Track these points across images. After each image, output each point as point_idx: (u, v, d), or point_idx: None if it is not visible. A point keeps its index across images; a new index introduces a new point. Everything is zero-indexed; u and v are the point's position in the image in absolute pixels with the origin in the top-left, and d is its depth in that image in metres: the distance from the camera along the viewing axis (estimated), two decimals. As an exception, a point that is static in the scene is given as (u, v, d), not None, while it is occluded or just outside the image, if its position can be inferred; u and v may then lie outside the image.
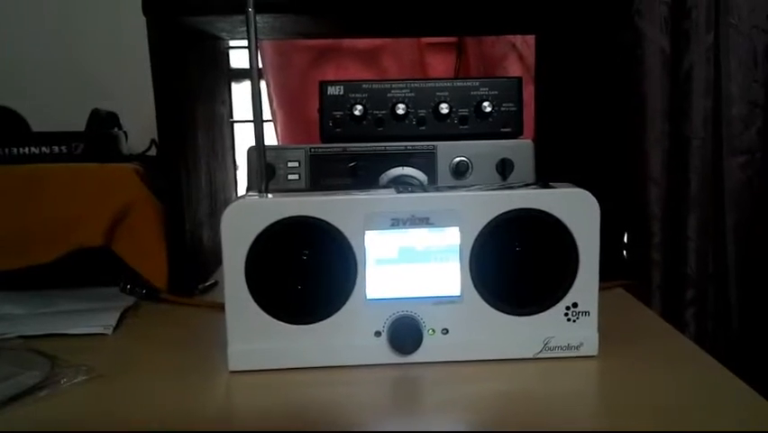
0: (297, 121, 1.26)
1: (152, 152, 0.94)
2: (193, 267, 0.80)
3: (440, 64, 1.24)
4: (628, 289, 0.78)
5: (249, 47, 0.59)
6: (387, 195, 0.57)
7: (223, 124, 0.99)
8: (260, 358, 0.56)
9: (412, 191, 0.59)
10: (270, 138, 1.30)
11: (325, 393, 0.53)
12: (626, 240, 0.98)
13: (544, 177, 0.80)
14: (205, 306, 0.75)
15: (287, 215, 0.55)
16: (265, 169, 0.63)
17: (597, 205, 0.56)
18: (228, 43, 1.03)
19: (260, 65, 1.35)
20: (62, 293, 0.79)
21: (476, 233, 0.56)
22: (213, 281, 0.83)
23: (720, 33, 0.91)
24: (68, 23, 1.21)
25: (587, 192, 0.56)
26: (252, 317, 0.55)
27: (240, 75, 1.35)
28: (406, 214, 0.56)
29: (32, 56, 1.21)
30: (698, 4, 0.90)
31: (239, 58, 1.35)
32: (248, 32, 0.59)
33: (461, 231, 0.56)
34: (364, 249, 0.56)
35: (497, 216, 0.56)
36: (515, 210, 0.56)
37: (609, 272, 0.77)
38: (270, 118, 1.29)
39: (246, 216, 0.55)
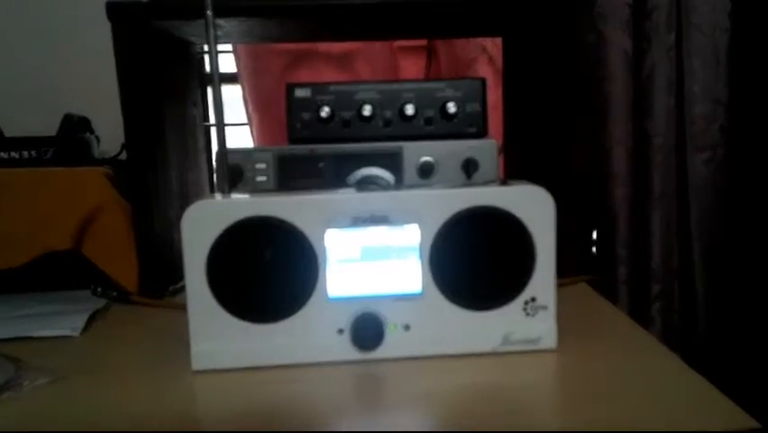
0: (272, 124, 1.26)
1: (124, 155, 0.94)
2: (163, 269, 0.81)
3: (412, 66, 1.26)
4: (592, 284, 0.80)
5: (209, 48, 0.60)
6: (346, 194, 0.58)
7: (195, 126, 0.99)
8: (223, 358, 0.57)
9: (371, 190, 0.60)
10: (247, 141, 1.30)
11: (289, 391, 0.54)
12: (594, 237, 1.00)
13: (512, 176, 0.81)
14: (174, 307, 0.75)
15: (247, 215, 0.56)
16: (228, 170, 0.64)
17: (552, 201, 0.57)
18: (200, 47, 1.04)
19: (236, 68, 1.36)
20: (32, 297, 0.79)
21: (435, 230, 0.57)
22: (183, 283, 0.83)
23: (682, 33, 0.93)
24: (40, 27, 1.21)
25: (541, 188, 0.57)
26: (215, 316, 0.56)
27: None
28: (365, 213, 0.57)
29: (4, 61, 1.20)
30: (659, 5, 0.92)
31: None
32: (207, 35, 0.59)
33: (420, 228, 0.57)
34: (325, 248, 0.57)
35: (455, 214, 0.57)
36: (472, 208, 0.57)
37: (577, 268, 0.79)
38: (246, 121, 1.30)
39: (207, 216, 0.56)
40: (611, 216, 0.95)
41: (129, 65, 0.74)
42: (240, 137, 1.37)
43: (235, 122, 1.35)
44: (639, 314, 0.77)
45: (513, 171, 0.95)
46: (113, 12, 0.72)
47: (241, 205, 0.56)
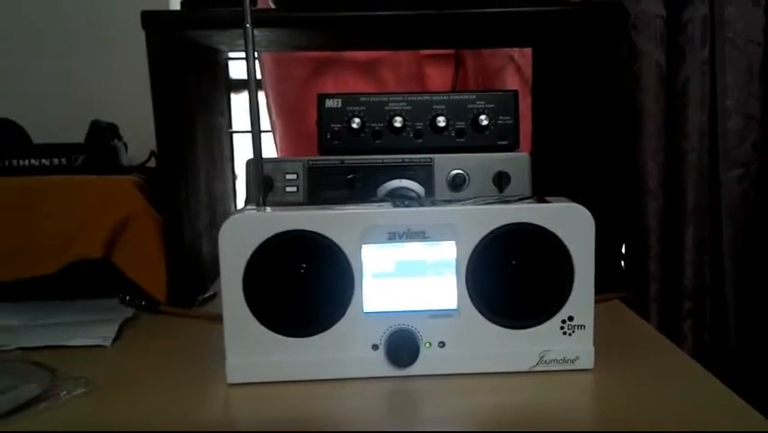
0: (295, 132, 1.26)
1: (152, 163, 0.94)
2: (192, 278, 0.81)
3: (438, 76, 1.25)
4: (625, 301, 0.79)
5: (247, 61, 0.59)
6: (383, 209, 0.58)
7: (221, 134, 0.99)
8: (257, 371, 0.56)
9: (408, 205, 0.59)
10: (269, 149, 1.30)
11: (323, 406, 0.54)
12: (623, 252, 0.99)
13: (541, 189, 0.81)
14: (204, 318, 0.75)
15: (284, 229, 0.55)
16: (263, 182, 0.63)
17: (592, 219, 0.56)
18: (227, 55, 1.04)
19: (260, 76, 1.36)
20: (61, 304, 0.79)
21: (472, 247, 0.57)
22: (212, 293, 0.83)
23: (716, 47, 0.92)
24: (67, 35, 1.22)
25: (582, 207, 0.56)
26: (250, 330, 0.56)
27: (238, 86, 1.36)
28: (402, 228, 0.57)
29: (32, 68, 1.21)
30: (693, 18, 0.91)
31: (237, 69, 1.36)
32: (245, 47, 0.59)
33: (457, 245, 0.57)
34: (361, 263, 0.56)
35: (492, 231, 0.56)
36: (510, 225, 0.56)
37: (607, 284, 0.78)
38: (269, 129, 1.30)
39: (244, 230, 0.55)
40: (643, 231, 0.93)
41: (162, 74, 0.74)
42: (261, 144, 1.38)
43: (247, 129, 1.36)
44: (670, 331, 0.76)
45: (540, 184, 0.94)
46: (148, 21, 0.72)
47: (278, 219, 0.55)
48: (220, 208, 0.96)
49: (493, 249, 0.57)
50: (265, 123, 1.33)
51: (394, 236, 0.57)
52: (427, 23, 0.79)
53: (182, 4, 0.78)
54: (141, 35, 0.76)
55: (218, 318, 0.73)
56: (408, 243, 0.57)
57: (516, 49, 1.17)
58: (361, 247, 0.56)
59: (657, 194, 0.93)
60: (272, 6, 0.83)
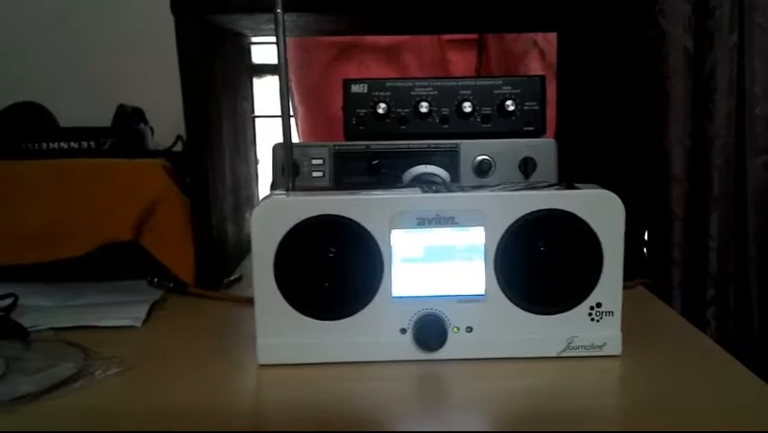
0: (318, 117, 1.27)
1: (178, 147, 0.95)
2: (218, 261, 0.82)
3: (460, 61, 1.25)
4: (648, 287, 0.79)
5: (278, 46, 0.60)
6: (413, 195, 0.58)
7: (245, 119, 1.00)
8: (287, 352, 0.57)
9: (437, 191, 0.60)
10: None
11: (351, 388, 0.54)
12: (646, 238, 0.98)
13: (566, 175, 0.80)
14: (232, 300, 0.76)
15: (315, 213, 0.56)
16: (289, 166, 0.64)
17: (622, 207, 0.56)
18: (250, 39, 1.04)
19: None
20: (90, 286, 0.80)
21: (501, 232, 0.57)
22: (237, 276, 0.84)
23: (745, 33, 0.91)
24: (92, 20, 1.23)
25: (613, 194, 0.56)
26: (281, 312, 0.57)
27: (260, 70, 1.36)
28: (431, 213, 0.57)
29: (57, 52, 1.22)
30: (722, 3, 0.90)
31: (259, 53, 1.36)
32: (276, 32, 0.60)
33: (485, 230, 0.57)
34: (390, 247, 0.57)
35: (522, 217, 0.56)
36: (540, 211, 0.56)
37: (629, 270, 0.78)
38: (291, 114, 1.30)
39: (276, 214, 0.56)
40: (667, 218, 0.93)
41: (190, 58, 0.75)
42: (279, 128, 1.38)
43: (276, 113, 1.36)
44: (693, 318, 0.76)
45: (564, 170, 0.94)
46: (177, 5, 0.73)
47: (310, 203, 0.56)
48: (244, 192, 0.96)
49: (522, 235, 0.57)
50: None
51: (423, 222, 0.57)
52: (454, 7, 0.78)
53: (209, -12, 0.78)
54: (165, 20, 0.77)
55: (245, 301, 0.75)
56: (437, 228, 0.57)
57: (540, 33, 1.16)
58: (390, 232, 0.56)
59: (682, 180, 0.92)
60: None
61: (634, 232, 0.94)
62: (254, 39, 1.11)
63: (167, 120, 0.99)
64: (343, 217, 0.56)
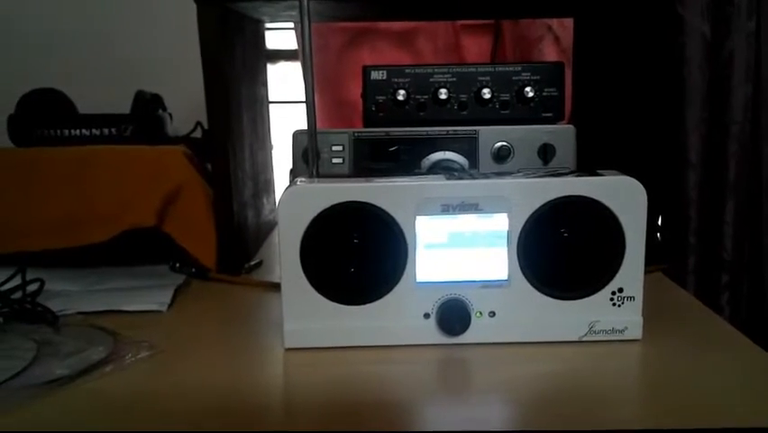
0: (332, 102, 1.27)
1: (197, 133, 0.96)
2: (239, 246, 0.82)
3: (475, 46, 1.25)
4: (666, 273, 0.79)
5: (302, 32, 0.60)
6: (438, 181, 0.59)
7: (263, 105, 1.00)
8: (313, 337, 0.58)
9: (460, 177, 0.60)
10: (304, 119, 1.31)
11: (377, 371, 0.55)
12: (660, 223, 0.99)
13: (583, 161, 0.81)
14: (254, 285, 0.77)
15: (341, 200, 0.57)
16: (311, 153, 0.65)
17: (644, 193, 0.57)
18: (266, 25, 1.05)
19: (295, 46, 1.36)
20: (114, 271, 0.81)
21: (524, 219, 0.57)
22: (258, 261, 0.85)
23: (762, 20, 0.91)
24: (110, 6, 1.23)
25: (635, 180, 0.57)
26: (307, 297, 0.58)
27: (274, 56, 1.36)
28: (456, 200, 0.58)
29: (75, 39, 1.23)
30: (740, -11, 0.90)
31: (273, 39, 1.36)
32: (301, 18, 0.60)
33: (509, 217, 0.58)
34: (415, 234, 0.58)
35: (545, 203, 0.57)
36: (563, 197, 0.57)
37: (646, 256, 0.79)
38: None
39: (302, 201, 0.57)
40: (683, 203, 0.93)
41: (212, 45, 0.75)
42: (294, 114, 1.39)
43: (292, 99, 1.37)
44: (707, 303, 0.76)
45: (579, 156, 0.94)
46: (199, -7, 0.73)
47: (335, 190, 0.57)
48: (262, 178, 0.97)
49: (545, 221, 0.58)
50: (299, 93, 1.34)
51: (447, 208, 0.58)
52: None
53: (228, -25, 0.78)
54: (182, 6, 0.77)
55: (267, 286, 0.76)
56: (461, 215, 0.58)
57: (555, 19, 1.16)
58: (415, 218, 0.57)
59: (698, 166, 0.93)
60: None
61: (651, 218, 0.94)
62: (269, 24, 1.11)
63: (184, 106, 0.99)
64: (369, 204, 0.57)
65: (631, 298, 0.59)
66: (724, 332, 0.63)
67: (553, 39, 1.17)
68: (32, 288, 0.70)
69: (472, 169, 0.80)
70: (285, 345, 0.59)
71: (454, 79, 0.81)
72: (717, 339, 0.61)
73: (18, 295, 0.68)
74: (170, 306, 0.71)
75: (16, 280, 0.69)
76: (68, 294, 0.73)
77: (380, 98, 0.81)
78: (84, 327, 0.64)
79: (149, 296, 0.71)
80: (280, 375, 0.57)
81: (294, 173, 0.80)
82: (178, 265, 0.79)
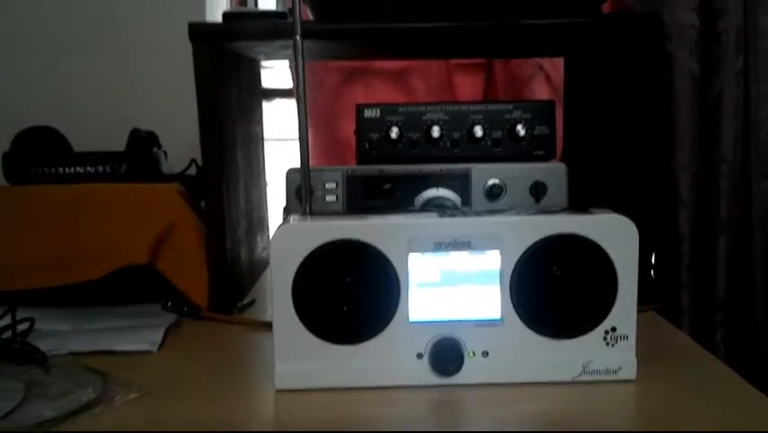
0: (326, 140, 1.28)
1: (192, 171, 0.96)
2: (232, 285, 0.82)
3: (467, 84, 1.26)
4: (659, 312, 0.79)
5: (296, 72, 0.61)
6: (430, 219, 0.59)
7: (258, 143, 1.01)
8: (305, 377, 0.58)
9: (452, 215, 0.60)
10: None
11: (369, 413, 0.55)
12: (653, 261, 0.99)
13: (574, 199, 0.81)
14: (247, 324, 0.77)
15: (333, 238, 0.56)
16: (303, 191, 0.65)
17: (636, 231, 0.57)
18: (261, 64, 1.06)
19: (290, 85, 1.38)
20: (104, 310, 0.81)
21: (517, 257, 0.57)
22: (251, 299, 0.85)
23: (749, 58, 0.92)
24: (105, 45, 1.24)
25: (627, 219, 0.57)
26: (299, 337, 0.57)
27: (269, 94, 1.37)
28: (448, 238, 0.58)
29: (70, 76, 1.24)
30: (727, 28, 0.91)
31: (270, 77, 1.37)
32: (295, 57, 0.61)
33: (501, 255, 0.58)
34: (407, 272, 0.57)
35: (537, 241, 0.57)
36: (555, 235, 0.57)
37: (639, 293, 0.78)
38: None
39: (295, 239, 0.57)
40: (675, 241, 0.94)
41: (207, 84, 0.76)
42: (290, 151, 1.39)
43: (288, 136, 1.37)
44: (701, 341, 0.76)
45: (571, 193, 0.95)
46: (195, 33, 0.74)
47: (328, 228, 0.57)
48: (256, 215, 0.97)
49: (537, 259, 0.58)
50: (293, 131, 1.35)
51: (440, 246, 0.58)
52: (464, 35, 0.80)
53: (224, 15, 0.79)
54: (178, 46, 0.78)
55: (259, 325, 0.75)
56: (454, 252, 0.58)
57: (547, 58, 1.18)
58: (407, 256, 0.57)
59: (689, 204, 0.93)
60: (311, 18, 0.85)
61: (642, 255, 0.94)
62: (264, 63, 1.13)
63: (180, 143, 1.00)
64: (362, 242, 0.57)
65: (624, 337, 0.58)
66: (719, 373, 0.62)
67: (545, 77, 1.19)
68: (22, 327, 0.69)
69: (465, 206, 0.80)
70: (276, 387, 0.58)
71: (447, 117, 0.82)
72: (712, 380, 0.60)
73: (8, 335, 0.67)
74: (161, 345, 0.70)
75: (6, 320, 0.69)
76: (58, 334, 0.73)
77: (374, 136, 0.82)
78: (74, 368, 0.64)
79: (139, 336, 0.71)
80: (271, 416, 0.56)
81: (287, 211, 0.80)
82: (170, 304, 0.79)
